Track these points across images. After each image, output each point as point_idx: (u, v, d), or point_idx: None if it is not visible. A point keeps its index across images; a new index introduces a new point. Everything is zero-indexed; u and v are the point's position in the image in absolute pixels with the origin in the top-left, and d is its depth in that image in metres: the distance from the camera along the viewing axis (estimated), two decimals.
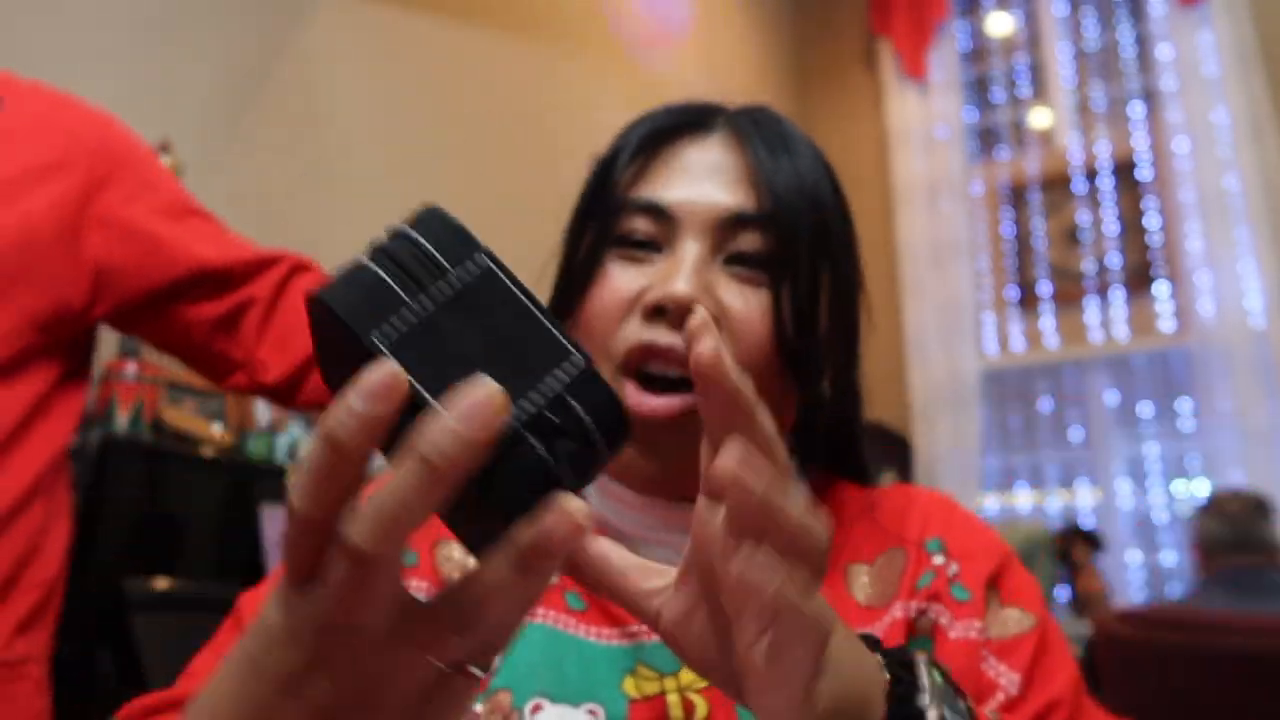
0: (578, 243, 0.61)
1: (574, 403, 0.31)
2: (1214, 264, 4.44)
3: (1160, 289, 4.71)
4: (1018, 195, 5.10)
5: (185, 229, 0.97)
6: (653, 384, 0.55)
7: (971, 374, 4.80)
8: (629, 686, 0.53)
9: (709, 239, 0.56)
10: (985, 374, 4.90)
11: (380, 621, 0.31)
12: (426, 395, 0.29)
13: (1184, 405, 4.68)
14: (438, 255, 0.31)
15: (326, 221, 2.32)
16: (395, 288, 0.30)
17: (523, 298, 0.32)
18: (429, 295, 0.30)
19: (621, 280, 0.56)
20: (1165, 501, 4.70)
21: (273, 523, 1.53)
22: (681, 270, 0.54)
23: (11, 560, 0.85)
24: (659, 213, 0.56)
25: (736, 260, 0.56)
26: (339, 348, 0.31)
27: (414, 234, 0.32)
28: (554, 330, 0.32)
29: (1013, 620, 0.54)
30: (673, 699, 0.52)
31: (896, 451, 4.76)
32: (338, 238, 2.34)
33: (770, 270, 0.56)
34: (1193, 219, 4.54)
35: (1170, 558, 4.67)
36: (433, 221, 0.32)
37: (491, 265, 0.32)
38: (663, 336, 0.54)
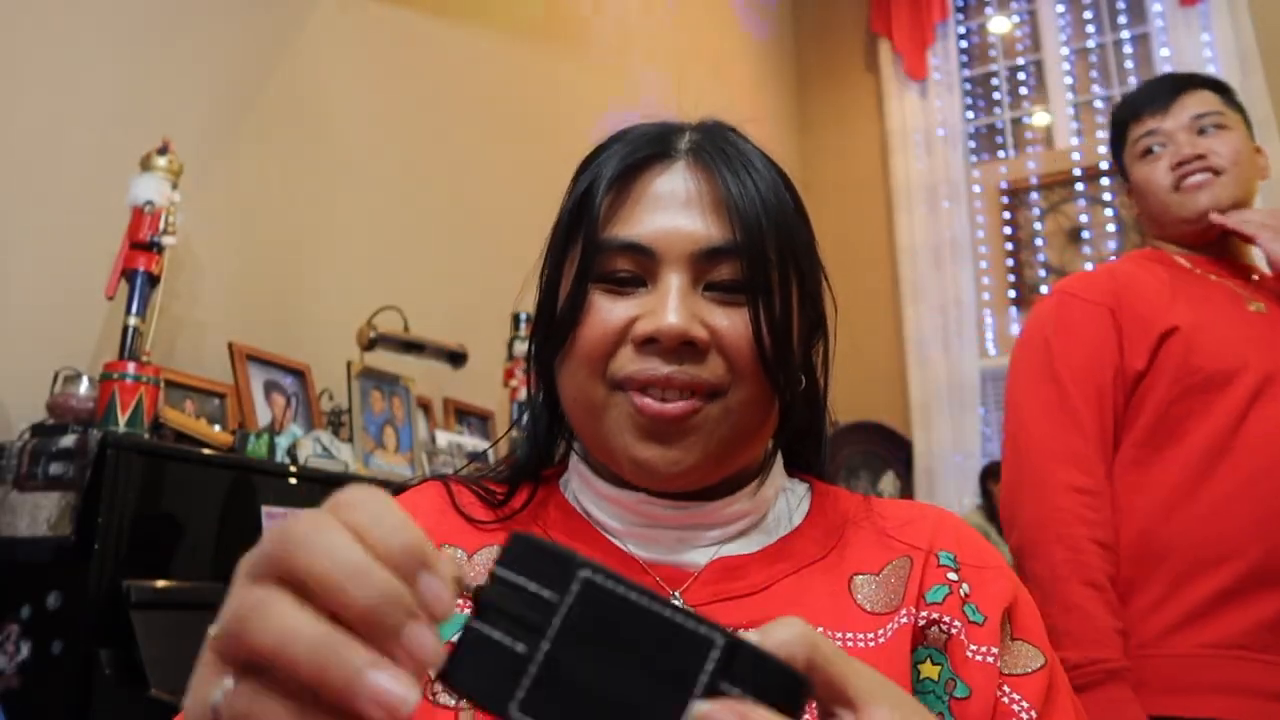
0: (557, 274, 0.64)
1: (732, 686, 0.30)
2: None
3: None
4: (1018, 195, 5.10)
5: None
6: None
7: (971, 374, 4.80)
8: None
9: (689, 271, 0.60)
10: (985, 374, 4.90)
11: None
12: None
13: None
14: (540, 591, 0.30)
15: (326, 220, 2.32)
16: (510, 645, 0.29)
17: (637, 599, 0.30)
18: (548, 638, 0.29)
19: (609, 313, 0.60)
20: None
21: (273, 523, 1.53)
22: (669, 302, 0.58)
23: None
24: (639, 250, 0.60)
25: (716, 287, 0.60)
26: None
27: (509, 574, 0.31)
28: (679, 619, 0.30)
29: (1024, 655, 0.58)
30: None
31: (897, 452, 4.77)
32: (337, 237, 2.34)
33: (747, 291, 0.60)
34: None
35: None
36: (523, 552, 0.31)
37: (593, 577, 0.30)
38: (660, 367, 0.58)
